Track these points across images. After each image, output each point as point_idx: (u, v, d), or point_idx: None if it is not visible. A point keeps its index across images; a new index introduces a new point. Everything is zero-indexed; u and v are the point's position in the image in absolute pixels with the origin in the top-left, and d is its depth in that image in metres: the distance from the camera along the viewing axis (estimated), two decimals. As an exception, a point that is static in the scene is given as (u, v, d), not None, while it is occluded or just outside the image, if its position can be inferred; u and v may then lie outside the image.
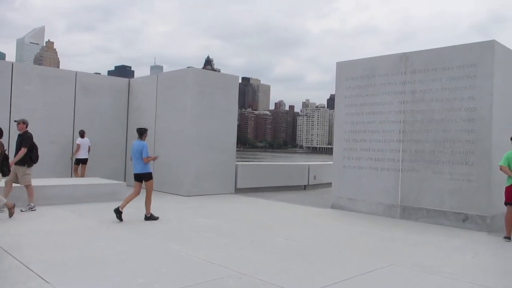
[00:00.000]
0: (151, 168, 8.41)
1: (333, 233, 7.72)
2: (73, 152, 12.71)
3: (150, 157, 7.97)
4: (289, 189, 14.31)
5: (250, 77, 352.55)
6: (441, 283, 4.95)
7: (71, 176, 12.75)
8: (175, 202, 9.56)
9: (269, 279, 4.80)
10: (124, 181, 13.14)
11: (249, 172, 13.40)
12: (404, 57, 9.40)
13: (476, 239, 7.44)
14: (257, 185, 13.42)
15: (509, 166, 7.25)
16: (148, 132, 8.35)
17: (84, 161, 12.69)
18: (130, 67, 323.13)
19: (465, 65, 8.46)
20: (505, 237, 7.34)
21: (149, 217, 8.14)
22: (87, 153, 12.73)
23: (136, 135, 8.19)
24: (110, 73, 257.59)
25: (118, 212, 7.81)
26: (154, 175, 12.77)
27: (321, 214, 9.80)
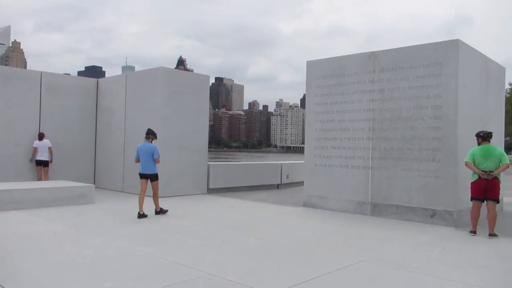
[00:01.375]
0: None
1: (304, 232, 7.74)
2: (32, 155, 12.34)
3: (159, 158, 8.76)
4: (262, 188, 14.30)
5: (223, 77, 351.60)
6: (410, 278, 5.02)
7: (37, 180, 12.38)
8: (146, 204, 9.39)
9: (239, 279, 4.75)
10: (94, 183, 12.86)
11: (221, 172, 13.32)
12: (373, 56, 9.52)
13: (443, 234, 7.60)
14: (229, 185, 13.36)
15: (474, 162, 7.44)
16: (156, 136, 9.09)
17: (45, 164, 12.33)
18: (101, 67, 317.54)
19: (431, 63, 8.63)
20: (471, 232, 7.52)
21: (159, 212, 8.82)
22: (48, 155, 12.37)
23: (143, 136, 9.02)
24: (80, 73, 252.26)
25: (143, 216, 8.44)
26: (123, 177, 12.67)
27: (293, 212, 9.82)
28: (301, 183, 12.30)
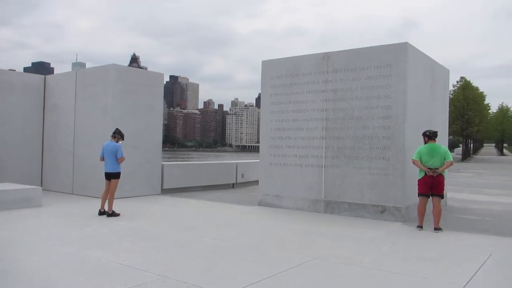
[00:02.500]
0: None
1: (259, 230, 7.78)
2: None
3: (123, 158, 8.82)
4: (217, 188, 14.24)
5: (178, 75, 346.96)
6: (362, 273, 5.16)
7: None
8: (96, 206, 9.10)
9: (194, 280, 4.70)
10: (41, 185, 12.31)
11: (176, 172, 13.13)
12: (326, 57, 9.70)
13: (392, 229, 7.88)
14: (184, 185, 13.20)
15: (420, 160, 7.77)
16: (123, 135, 9.12)
17: None
18: (49, 63, 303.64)
19: (381, 65, 8.91)
20: (418, 226, 7.85)
21: (111, 214, 8.66)
22: None
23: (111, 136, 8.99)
24: (26, 70, 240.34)
25: (103, 214, 8.70)
26: (73, 178, 12.19)
27: (248, 211, 9.84)
28: (256, 182, 12.36)
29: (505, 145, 74.60)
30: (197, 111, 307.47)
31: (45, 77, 13.72)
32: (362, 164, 9.02)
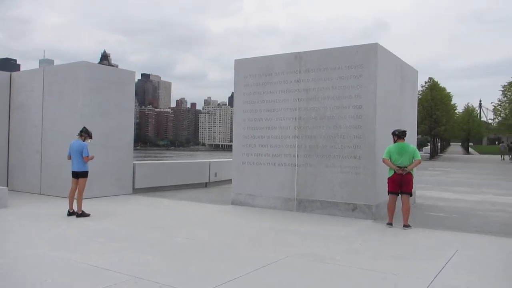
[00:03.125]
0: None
1: (232, 230, 7.77)
2: None
3: (89, 157, 8.67)
4: (190, 187, 14.14)
5: (150, 73, 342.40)
6: (333, 271, 5.24)
7: None
8: (65, 206, 8.88)
9: (166, 281, 4.66)
10: (6, 185, 11.92)
11: (147, 171, 12.97)
12: (298, 56, 9.78)
13: (363, 227, 8.02)
14: (156, 185, 13.05)
15: (390, 158, 7.94)
16: (90, 133, 9.00)
17: None
18: (15, 60, 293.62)
19: (352, 65, 9.05)
20: (388, 224, 8.02)
21: (81, 214, 8.50)
22: None
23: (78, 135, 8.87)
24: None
25: (72, 214, 8.54)
26: (41, 178, 11.86)
27: (221, 211, 9.82)
28: (229, 181, 12.34)
29: (470, 144, 77.05)
30: (169, 110, 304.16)
31: (11, 74, 13.28)
32: (334, 163, 9.14)
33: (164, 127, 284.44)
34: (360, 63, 8.96)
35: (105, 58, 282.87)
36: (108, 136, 11.58)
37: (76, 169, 8.74)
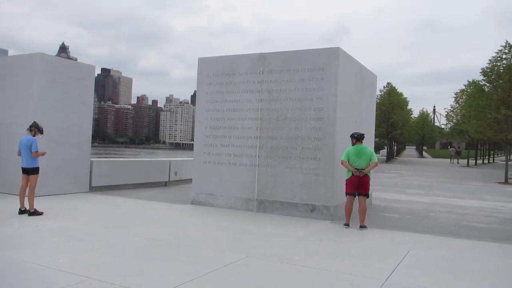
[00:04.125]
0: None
1: (192, 229, 7.72)
2: None
3: (39, 152, 8.35)
4: (149, 186, 13.92)
5: (111, 68, 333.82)
6: (291, 271, 5.31)
7: None
8: (16, 203, 8.52)
9: (123, 282, 4.57)
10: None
11: (105, 168, 12.64)
12: (262, 57, 9.83)
13: (321, 227, 8.17)
14: (114, 183, 12.75)
15: (348, 160, 8.13)
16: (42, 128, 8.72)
17: None
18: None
19: (314, 68, 9.20)
20: (345, 224, 8.21)
21: (33, 213, 8.19)
22: None
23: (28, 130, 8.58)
24: None
25: (24, 212, 8.25)
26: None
27: (181, 210, 9.73)
28: (190, 181, 12.24)
29: (424, 147, 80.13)
30: (130, 106, 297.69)
31: (-40, 64, 12.58)
32: (294, 164, 9.26)
33: (124, 124, 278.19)
34: (322, 66, 9.12)
35: (63, 50, 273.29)
36: (65, 131, 11.20)
37: (25, 166, 8.41)
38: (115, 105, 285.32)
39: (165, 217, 8.90)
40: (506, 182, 22.31)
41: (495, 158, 59.48)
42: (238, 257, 5.75)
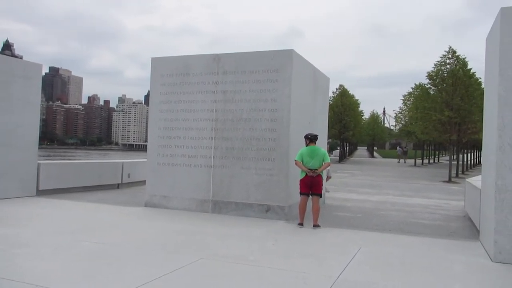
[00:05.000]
0: None
1: (145, 232, 7.58)
2: None
3: None
4: (101, 188, 13.52)
5: (59, 67, 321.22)
6: (246, 271, 5.34)
7: None
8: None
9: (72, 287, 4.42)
10: None
11: (54, 171, 12.16)
12: (217, 58, 9.82)
13: (276, 227, 8.27)
14: (64, 186, 12.28)
15: (302, 161, 8.28)
16: None
17: None
18: None
19: (269, 69, 9.30)
20: (299, 224, 8.35)
21: None
22: None
23: None
24: None
25: None
26: None
27: (134, 213, 9.52)
28: (143, 183, 12.01)
29: (375, 148, 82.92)
30: (80, 107, 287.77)
31: None
32: (249, 165, 9.31)
33: (74, 125, 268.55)
34: (276, 68, 9.23)
35: (7, 47, 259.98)
36: (9, 133, 10.67)
37: None
38: (64, 105, 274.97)
39: (117, 220, 8.68)
40: (450, 181, 23.52)
41: (440, 158, 62.47)
42: (192, 259, 5.71)
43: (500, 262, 6.08)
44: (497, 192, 6.17)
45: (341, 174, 25.54)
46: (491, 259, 6.24)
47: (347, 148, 57.95)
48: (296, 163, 8.38)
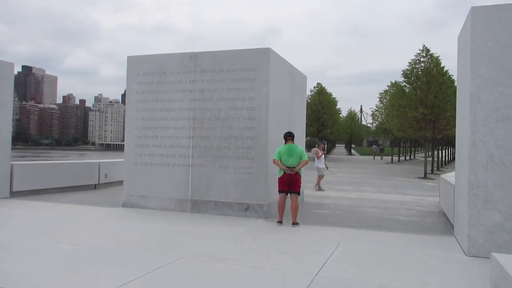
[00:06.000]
0: None
1: (123, 233, 7.49)
2: None
3: None
4: (78, 189, 13.29)
5: (33, 66, 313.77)
6: (226, 270, 5.33)
7: None
8: None
9: (47, 291, 4.33)
10: None
11: (28, 172, 11.88)
12: (194, 57, 9.76)
13: (255, 226, 8.29)
14: (39, 187, 12.02)
15: (280, 159, 8.32)
16: None
17: None
18: None
19: (246, 68, 9.30)
20: (278, 222, 8.39)
21: None
22: None
23: None
24: None
25: None
26: None
27: (111, 213, 9.39)
28: (121, 183, 11.85)
29: (352, 145, 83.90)
30: (55, 106, 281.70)
31: None
32: (228, 164, 9.29)
33: (49, 125, 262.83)
34: (253, 66, 9.24)
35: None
36: (-20, 133, 10.36)
37: None
38: (38, 104, 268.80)
39: (94, 221, 8.54)
40: (425, 177, 24.01)
41: (415, 155, 63.69)
42: (171, 259, 5.67)
43: (473, 256, 6.25)
44: (470, 188, 6.33)
45: (319, 171, 25.74)
46: (465, 253, 6.40)
47: (325, 145, 58.45)
48: (274, 162, 8.41)
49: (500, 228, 6.18)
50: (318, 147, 16.22)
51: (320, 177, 15.40)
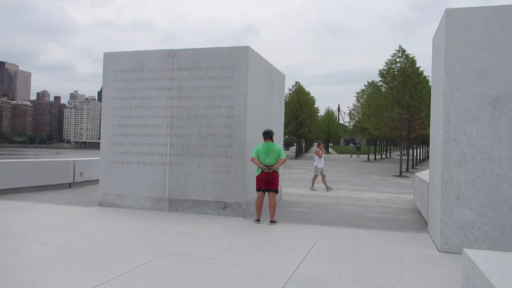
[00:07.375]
0: None
1: (98, 232, 7.37)
2: None
3: None
4: (52, 188, 13.01)
5: (5, 61, 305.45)
6: (203, 269, 5.31)
7: None
8: None
9: (19, 292, 4.23)
10: None
11: (0, 171, 11.56)
12: (172, 54, 9.67)
13: (233, 224, 8.28)
14: (11, 186, 11.72)
15: (258, 157, 8.33)
16: None
17: None
18: None
19: (225, 66, 9.27)
20: (256, 220, 8.41)
21: None
22: None
23: None
24: None
25: None
26: None
27: (87, 213, 9.23)
28: (96, 181, 11.67)
29: (330, 144, 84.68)
30: (28, 103, 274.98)
31: None
32: (206, 162, 9.25)
33: (22, 122, 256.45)
34: (232, 64, 9.21)
35: None
36: None
37: None
38: (11, 101, 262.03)
39: (68, 221, 8.38)
40: (400, 175, 24.43)
41: (391, 153, 64.70)
42: (148, 258, 5.61)
43: (446, 252, 6.40)
44: (443, 185, 6.48)
45: (297, 170, 25.90)
46: (438, 249, 6.55)
47: (303, 144, 58.81)
48: (252, 160, 8.42)
49: (472, 225, 6.34)
50: (318, 147, 16.26)
51: (316, 176, 15.53)
